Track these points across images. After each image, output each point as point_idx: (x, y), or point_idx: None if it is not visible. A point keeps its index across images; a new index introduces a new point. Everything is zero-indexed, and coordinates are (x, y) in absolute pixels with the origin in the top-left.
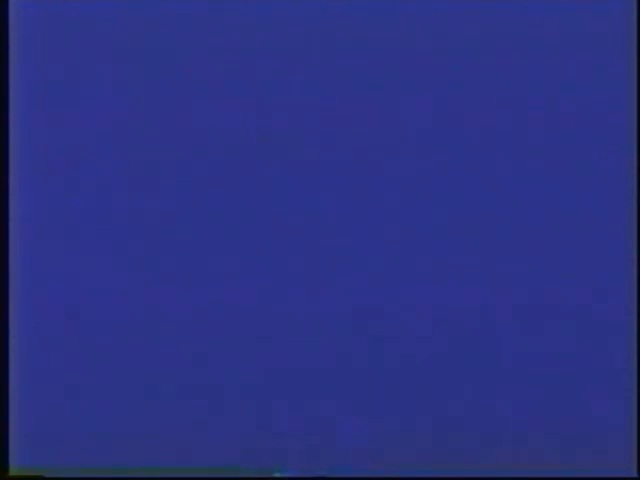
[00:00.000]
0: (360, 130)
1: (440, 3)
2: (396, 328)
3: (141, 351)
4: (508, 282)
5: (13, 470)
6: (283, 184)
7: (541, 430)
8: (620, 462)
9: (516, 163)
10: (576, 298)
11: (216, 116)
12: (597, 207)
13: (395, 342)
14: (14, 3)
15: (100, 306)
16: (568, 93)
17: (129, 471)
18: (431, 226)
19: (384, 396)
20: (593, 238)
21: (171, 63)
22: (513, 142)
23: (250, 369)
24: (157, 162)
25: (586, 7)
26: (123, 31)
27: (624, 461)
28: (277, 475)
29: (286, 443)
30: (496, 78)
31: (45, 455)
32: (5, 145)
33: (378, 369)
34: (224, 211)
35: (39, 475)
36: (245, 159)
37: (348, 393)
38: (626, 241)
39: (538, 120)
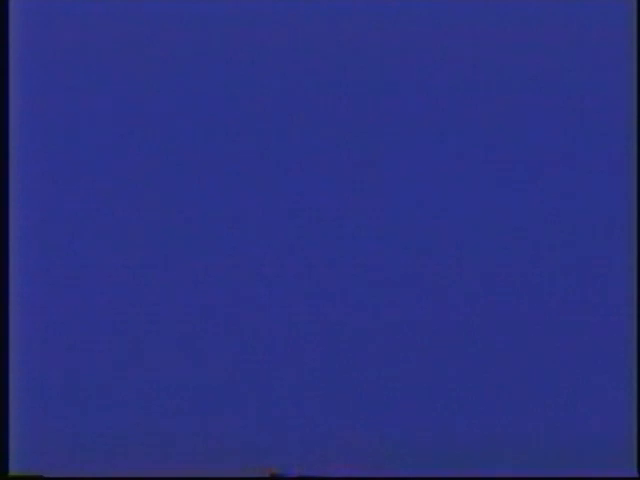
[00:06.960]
0: (366, 127)
1: (441, 3)
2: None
3: (141, 352)
4: (507, 283)
5: (13, 471)
6: (285, 183)
7: (541, 430)
8: (620, 462)
9: (516, 165)
10: (576, 298)
11: (215, 116)
12: (597, 208)
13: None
14: (14, 3)
15: (100, 306)
16: (567, 93)
17: (129, 471)
18: (431, 226)
19: (384, 397)
20: (595, 239)
21: (171, 62)
22: (513, 143)
23: (251, 369)
24: (157, 162)
25: (586, 7)
26: (123, 31)
27: (624, 461)
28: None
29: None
30: (496, 77)
31: (45, 457)
32: (5, 145)
33: (374, 370)
34: (224, 211)
35: (39, 476)
36: (246, 159)
37: (350, 395)
38: (627, 241)
39: (537, 123)
